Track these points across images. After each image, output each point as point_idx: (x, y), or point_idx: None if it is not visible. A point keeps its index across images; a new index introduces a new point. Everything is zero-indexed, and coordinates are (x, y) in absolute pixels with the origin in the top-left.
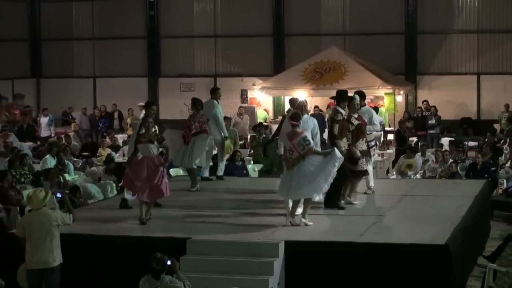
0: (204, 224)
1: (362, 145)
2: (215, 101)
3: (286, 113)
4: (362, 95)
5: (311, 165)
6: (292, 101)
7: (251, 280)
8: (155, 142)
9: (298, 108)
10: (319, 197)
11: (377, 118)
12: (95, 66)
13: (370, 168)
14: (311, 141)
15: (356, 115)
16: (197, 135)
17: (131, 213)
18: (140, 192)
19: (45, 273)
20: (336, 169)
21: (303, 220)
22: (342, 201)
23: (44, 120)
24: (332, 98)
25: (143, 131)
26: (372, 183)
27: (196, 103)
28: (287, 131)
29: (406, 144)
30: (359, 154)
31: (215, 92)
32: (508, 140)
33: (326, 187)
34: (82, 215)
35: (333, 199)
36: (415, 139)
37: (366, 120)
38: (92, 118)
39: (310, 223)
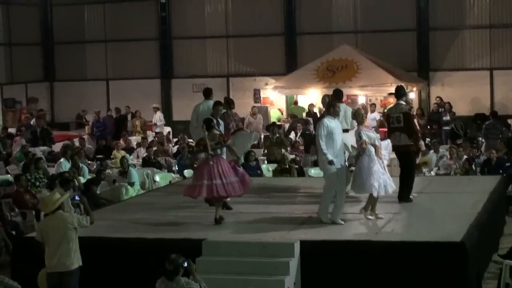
0: (219, 225)
1: None
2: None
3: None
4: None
5: (365, 160)
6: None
7: (267, 280)
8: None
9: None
10: (383, 192)
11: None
12: (107, 68)
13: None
14: (363, 137)
15: None
16: (237, 132)
17: (146, 215)
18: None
19: (63, 276)
20: (375, 166)
21: (368, 215)
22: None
23: None
24: (391, 94)
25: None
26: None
27: (230, 102)
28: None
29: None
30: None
31: (210, 93)
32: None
33: (376, 183)
34: (98, 218)
35: (405, 193)
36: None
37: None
38: (105, 121)
39: (371, 217)
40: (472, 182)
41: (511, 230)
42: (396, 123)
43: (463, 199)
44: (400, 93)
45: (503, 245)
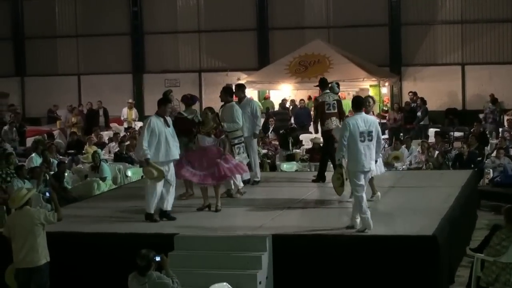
0: (192, 220)
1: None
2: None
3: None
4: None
5: None
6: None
7: (239, 274)
8: (212, 136)
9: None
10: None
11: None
12: (79, 63)
13: None
14: None
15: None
16: None
17: (118, 210)
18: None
19: (32, 272)
20: None
21: None
22: None
23: None
24: (316, 86)
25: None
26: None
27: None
28: None
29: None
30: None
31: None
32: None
33: None
34: (69, 213)
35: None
36: None
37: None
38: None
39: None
40: (443, 177)
41: (482, 224)
42: (332, 109)
43: (435, 193)
44: (324, 83)
45: (475, 238)
